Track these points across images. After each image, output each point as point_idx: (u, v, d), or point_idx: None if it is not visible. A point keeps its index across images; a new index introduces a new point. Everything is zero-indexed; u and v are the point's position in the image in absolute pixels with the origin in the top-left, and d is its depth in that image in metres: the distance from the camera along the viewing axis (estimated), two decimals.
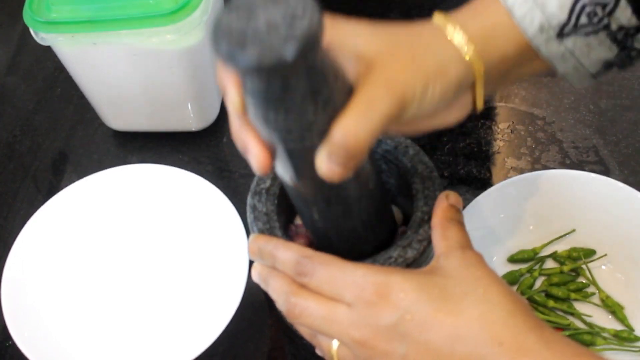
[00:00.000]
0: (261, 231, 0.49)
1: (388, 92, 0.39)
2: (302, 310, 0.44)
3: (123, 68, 0.72)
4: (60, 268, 0.69)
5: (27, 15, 0.67)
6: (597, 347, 0.61)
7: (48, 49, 0.71)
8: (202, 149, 0.80)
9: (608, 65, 0.44)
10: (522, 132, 0.76)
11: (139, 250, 0.71)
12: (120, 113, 0.79)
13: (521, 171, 0.73)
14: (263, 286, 0.48)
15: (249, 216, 0.50)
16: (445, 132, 0.77)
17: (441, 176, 0.57)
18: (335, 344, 0.44)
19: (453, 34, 0.42)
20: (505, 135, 0.76)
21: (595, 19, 0.41)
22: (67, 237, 0.71)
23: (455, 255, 0.44)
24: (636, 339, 0.61)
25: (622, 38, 0.42)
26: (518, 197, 0.66)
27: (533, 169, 0.73)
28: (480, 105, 0.45)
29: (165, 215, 0.72)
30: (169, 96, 0.75)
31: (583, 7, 0.41)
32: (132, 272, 0.70)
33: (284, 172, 0.42)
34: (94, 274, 0.70)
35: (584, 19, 0.41)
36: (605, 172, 0.72)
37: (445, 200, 0.47)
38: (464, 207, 0.50)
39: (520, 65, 0.45)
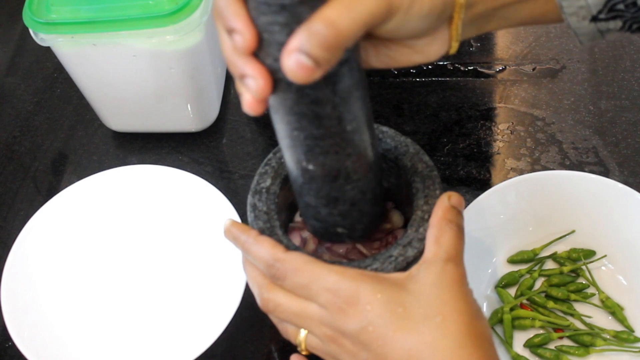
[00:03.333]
0: (262, 230, 0.49)
1: None
2: (275, 305, 0.46)
3: (123, 69, 0.72)
4: (60, 269, 0.69)
5: (27, 16, 0.67)
6: (597, 348, 0.61)
7: (47, 49, 0.71)
8: (202, 150, 0.80)
9: (611, 9, 0.42)
10: (522, 133, 0.76)
11: (138, 251, 0.71)
12: (119, 114, 0.79)
13: (521, 172, 0.73)
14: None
15: (250, 215, 0.50)
16: (445, 133, 0.77)
17: (441, 177, 0.58)
18: (302, 332, 0.46)
19: None
20: (505, 136, 0.76)
21: None
22: (67, 238, 0.70)
23: (435, 269, 0.44)
24: (636, 339, 0.61)
25: None
26: (518, 198, 0.66)
27: (533, 170, 0.73)
28: (455, 44, 0.43)
29: (165, 216, 0.72)
30: (168, 97, 0.75)
31: None
32: (132, 273, 0.70)
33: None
34: (94, 275, 0.69)
35: None
36: (605, 173, 0.72)
37: (447, 201, 0.47)
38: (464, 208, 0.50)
39: (522, 3, 0.43)
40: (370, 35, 0.41)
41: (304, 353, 0.48)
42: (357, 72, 0.41)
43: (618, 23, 0.43)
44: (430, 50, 0.44)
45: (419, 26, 0.41)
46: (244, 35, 0.37)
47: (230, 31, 0.38)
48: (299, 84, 0.37)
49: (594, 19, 0.43)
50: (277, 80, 0.39)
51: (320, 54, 0.35)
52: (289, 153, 0.45)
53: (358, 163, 0.45)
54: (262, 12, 0.36)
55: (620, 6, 0.42)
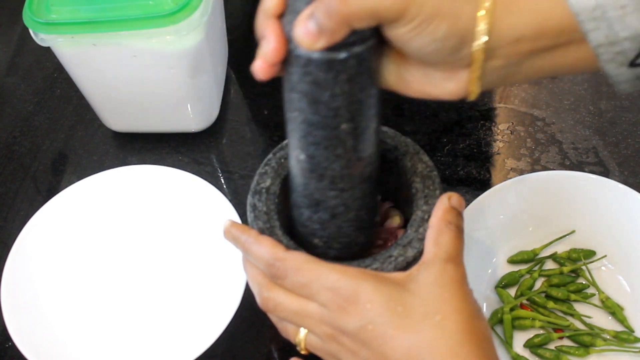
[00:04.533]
0: (262, 230, 0.49)
1: None
2: (275, 305, 0.46)
3: (123, 69, 0.72)
4: (60, 269, 0.69)
5: (27, 16, 0.67)
6: (597, 348, 0.61)
7: (48, 49, 0.71)
8: (202, 150, 0.80)
9: None
10: (522, 133, 0.76)
11: (138, 252, 0.71)
12: (120, 114, 0.79)
13: (521, 172, 0.73)
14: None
15: (249, 215, 0.50)
16: (445, 133, 0.77)
17: (441, 177, 0.58)
18: (302, 331, 0.46)
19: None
20: (505, 136, 0.76)
21: None
22: (66, 238, 0.70)
23: (435, 269, 0.44)
24: (636, 340, 0.61)
25: None
26: (518, 198, 0.66)
27: (533, 170, 0.73)
28: (473, 89, 0.42)
29: (165, 216, 0.72)
30: (168, 97, 0.75)
31: None
32: (132, 273, 0.70)
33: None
34: (94, 275, 0.69)
35: None
36: (605, 173, 0.72)
37: (447, 202, 0.47)
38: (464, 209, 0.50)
39: (552, 51, 0.41)
40: (391, 49, 0.42)
41: (303, 352, 0.48)
42: (365, 75, 0.42)
43: None
44: (446, 87, 0.43)
45: (431, 47, 0.40)
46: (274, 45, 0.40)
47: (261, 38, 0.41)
48: (305, 59, 0.40)
49: (632, 64, 0.41)
50: (290, 51, 0.41)
51: (325, 22, 0.38)
52: (290, 141, 0.46)
53: (346, 170, 0.46)
54: None
55: None
